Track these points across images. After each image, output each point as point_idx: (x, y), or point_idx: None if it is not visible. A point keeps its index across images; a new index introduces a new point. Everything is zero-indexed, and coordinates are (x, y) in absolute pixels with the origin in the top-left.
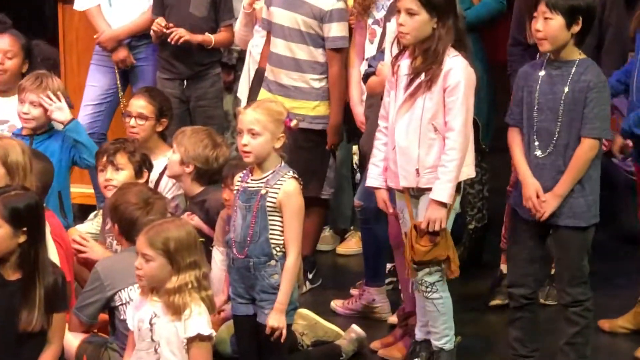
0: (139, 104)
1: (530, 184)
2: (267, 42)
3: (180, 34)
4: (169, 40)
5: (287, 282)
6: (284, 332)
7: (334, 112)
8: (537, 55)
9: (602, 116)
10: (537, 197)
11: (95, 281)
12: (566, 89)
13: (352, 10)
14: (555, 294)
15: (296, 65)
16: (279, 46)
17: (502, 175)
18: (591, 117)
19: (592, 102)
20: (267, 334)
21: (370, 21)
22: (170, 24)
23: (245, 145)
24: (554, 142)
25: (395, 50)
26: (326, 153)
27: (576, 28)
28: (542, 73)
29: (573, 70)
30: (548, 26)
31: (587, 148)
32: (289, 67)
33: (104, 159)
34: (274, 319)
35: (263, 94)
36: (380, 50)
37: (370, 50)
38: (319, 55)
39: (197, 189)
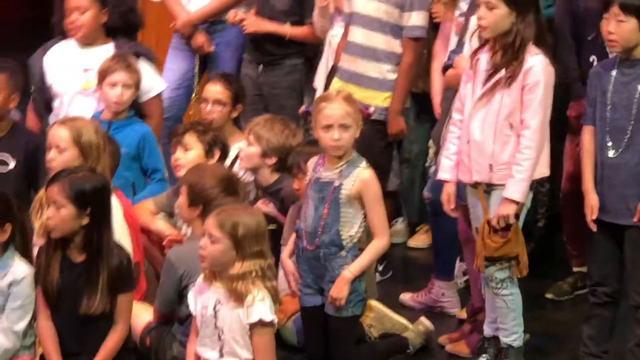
0: (216, 90)
1: (589, 199)
2: (345, 36)
3: (247, 27)
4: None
5: (367, 256)
6: (343, 302)
7: (395, 99)
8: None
9: None
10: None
11: (169, 270)
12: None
13: (438, 2)
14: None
15: (373, 54)
16: (357, 35)
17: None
18: None
19: None
20: (329, 302)
21: (457, 13)
22: (240, 17)
23: (338, 140)
24: (626, 140)
25: (475, 44)
26: (391, 145)
27: None
28: (614, 72)
29: None
30: (621, 29)
31: None
32: (365, 56)
33: (174, 140)
34: (337, 289)
35: (335, 82)
36: (460, 44)
37: (456, 41)
38: (396, 45)
39: (273, 178)
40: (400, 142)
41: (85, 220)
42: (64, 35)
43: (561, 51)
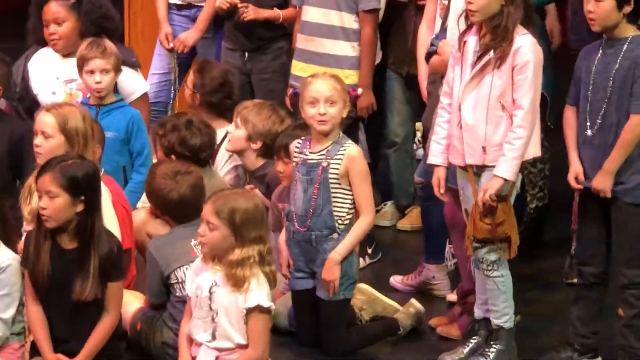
0: (191, 76)
1: (573, 167)
2: (298, 20)
3: (247, 14)
4: (238, 17)
5: (353, 235)
6: (337, 284)
7: (363, 75)
8: None
9: None
10: (577, 181)
11: (150, 260)
12: (617, 66)
13: None
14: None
15: (330, 32)
16: (312, 14)
17: (564, 154)
18: (638, 93)
19: None
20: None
21: None
22: (233, 2)
23: (324, 114)
24: (600, 119)
25: (461, 27)
26: (356, 121)
27: (628, 8)
28: (599, 53)
29: (625, 48)
30: (599, 8)
31: (633, 125)
32: (323, 34)
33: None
34: (327, 272)
35: (296, 64)
36: (443, 29)
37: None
38: (351, 21)
39: (259, 163)
40: (377, 121)
41: (79, 208)
42: (40, 42)
43: None
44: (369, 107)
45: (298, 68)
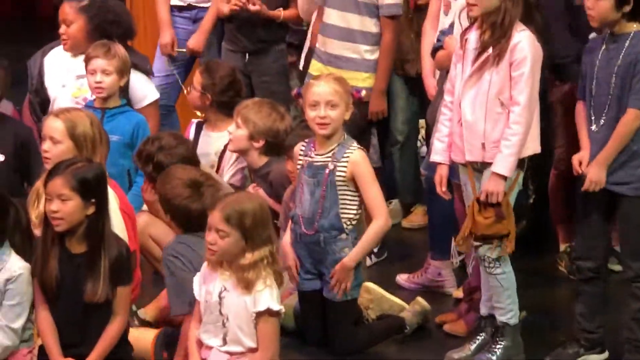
0: (197, 77)
1: (582, 151)
2: (319, 17)
3: (257, 7)
4: (248, 7)
5: (367, 240)
6: (349, 285)
7: (379, 78)
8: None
9: None
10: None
11: (182, 269)
12: (619, 62)
13: None
14: None
15: (349, 35)
16: (333, 16)
17: None
18: (638, 88)
19: None
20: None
21: None
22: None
23: (324, 117)
24: (604, 115)
25: (465, 23)
26: (370, 124)
27: (627, 8)
28: (603, 47)
29: (627, 43)
30: (598, 6)
31: (630, 118)
32: (342, 37)
33: None
34: (340, 277)
35: (314, 64)
36: (450, 24)
37: (444, 22)
38: (372, 25)
39: (262, 161)
40: (382, 120)
41: (90, 210)
42: None
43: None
44: (380, 113)
45: (315, 68)
